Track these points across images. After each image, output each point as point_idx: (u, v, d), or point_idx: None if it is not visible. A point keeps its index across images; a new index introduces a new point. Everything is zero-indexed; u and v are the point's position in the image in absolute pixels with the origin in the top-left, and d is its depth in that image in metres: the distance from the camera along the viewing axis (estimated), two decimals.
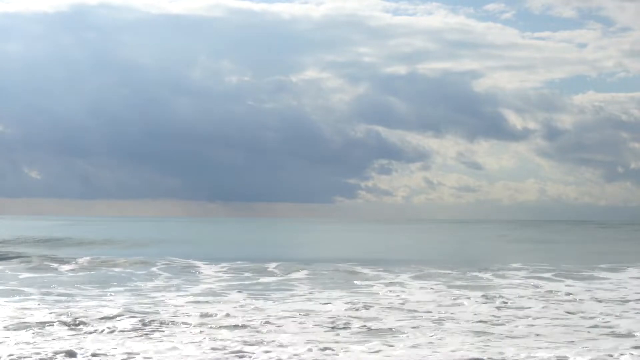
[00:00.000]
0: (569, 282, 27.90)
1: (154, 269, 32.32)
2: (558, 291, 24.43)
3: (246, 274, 30.23)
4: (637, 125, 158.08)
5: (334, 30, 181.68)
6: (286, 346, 14.48)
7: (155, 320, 17.18)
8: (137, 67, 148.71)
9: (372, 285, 26.15)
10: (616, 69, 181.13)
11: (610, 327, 17.02)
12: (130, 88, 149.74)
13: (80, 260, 36.56)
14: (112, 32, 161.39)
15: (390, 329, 16.70)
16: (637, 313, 19.42)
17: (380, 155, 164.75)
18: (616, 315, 18.83)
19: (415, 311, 19.53)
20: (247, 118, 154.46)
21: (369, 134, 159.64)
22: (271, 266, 33.33)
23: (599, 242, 69.01)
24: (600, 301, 21.93)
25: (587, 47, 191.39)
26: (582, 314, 19.08)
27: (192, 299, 21.99)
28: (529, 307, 20.30)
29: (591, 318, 18.43)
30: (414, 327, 16.80)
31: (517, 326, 17.19)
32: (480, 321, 17.81)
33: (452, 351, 14.12)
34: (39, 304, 20.22)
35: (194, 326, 16.63)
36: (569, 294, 23.71)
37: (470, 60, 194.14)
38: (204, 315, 18.18)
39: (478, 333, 16.15)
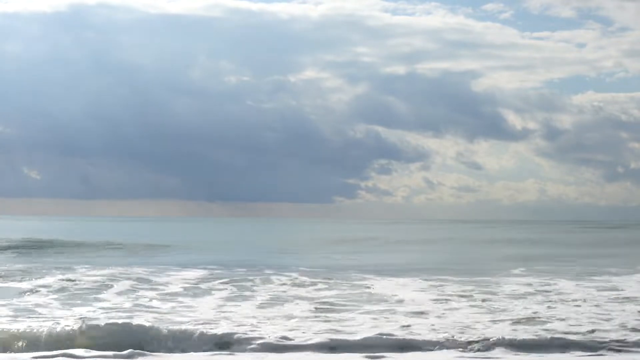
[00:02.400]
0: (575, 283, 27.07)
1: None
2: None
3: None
4: (637, 125, 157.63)
5: (333, 30, 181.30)
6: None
7: None
8: (136, 67, 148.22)
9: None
10: (615, 69, 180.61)
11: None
12: (129, 88, 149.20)
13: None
14: (111, 32, 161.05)
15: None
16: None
17: (380, 155, 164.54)
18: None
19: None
20: (247, 118, 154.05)
21: (368, 134, 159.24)
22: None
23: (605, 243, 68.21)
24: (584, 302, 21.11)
25: (586, 47, 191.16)
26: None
27: None
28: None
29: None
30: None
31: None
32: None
33: None
34: None
35: None
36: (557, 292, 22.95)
37: (469, 60, 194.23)
38: None
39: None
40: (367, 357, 13.97)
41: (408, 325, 16.83)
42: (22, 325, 15.77)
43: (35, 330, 15.01)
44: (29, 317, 17.60)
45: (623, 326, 16.94)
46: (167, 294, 23.02)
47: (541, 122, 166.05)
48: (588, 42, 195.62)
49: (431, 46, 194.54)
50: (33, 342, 14.44)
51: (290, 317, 18.21)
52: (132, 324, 15.54)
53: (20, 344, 14.41)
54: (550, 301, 21.53)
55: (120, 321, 15.71)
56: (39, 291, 23.15)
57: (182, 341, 14.63)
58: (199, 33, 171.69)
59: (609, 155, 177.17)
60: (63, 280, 26.40)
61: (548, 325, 17.04)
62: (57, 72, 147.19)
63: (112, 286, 24.79)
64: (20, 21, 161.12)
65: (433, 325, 16.94)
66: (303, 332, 15.88)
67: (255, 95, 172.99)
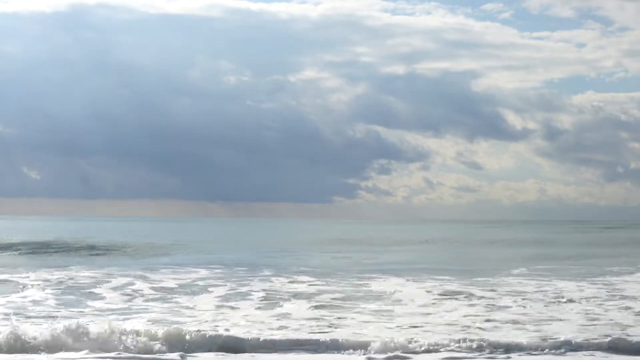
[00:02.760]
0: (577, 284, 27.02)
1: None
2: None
3: None
4: (637, 125, 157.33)
5: (332, 30, 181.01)
6: None
7: None
8: (135, 67, 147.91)
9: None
10: (615, 69, 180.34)
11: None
12: (128, 88, 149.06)
13: None
14: (111, 32, 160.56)
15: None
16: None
17: (379, 155, 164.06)
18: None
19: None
20: (246, 118, 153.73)
21: (368, 134, 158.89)
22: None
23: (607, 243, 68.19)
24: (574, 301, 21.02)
25: (586, 47, 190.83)
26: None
27: None
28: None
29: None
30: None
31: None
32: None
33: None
34: None
35: None
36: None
37: (469, 60, 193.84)
38: None
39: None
40: (367, 357, 13.94)
41: (408, 325, 16.80)
42: (20, 325, 15.74)
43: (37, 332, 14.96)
44: (27, 317, 17.57)
45: (623, 326, 16.91)
46: (166, 293, 22.97)
47: (541, 122, 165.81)
48: (588, 42, 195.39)
49: (431, 46, 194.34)
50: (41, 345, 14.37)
51: (289, 316, 18.17)
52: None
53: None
54: (550, 301, 21.48)
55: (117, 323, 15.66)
56: (37, 289, 23.09)
57: (180, 341, 14.57)
58: (198, 33, 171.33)
59: (609, 155, 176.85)
60: (63, 279, 26.37)
61: (548, 325, 17.00)
62: (57, 72, 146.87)
63: (110, 286, 24.76)
64: (20, 21, 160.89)
65: (433, 325, 16.90)
66: (303, 332, 15.84)
67: (254, 95, 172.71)
